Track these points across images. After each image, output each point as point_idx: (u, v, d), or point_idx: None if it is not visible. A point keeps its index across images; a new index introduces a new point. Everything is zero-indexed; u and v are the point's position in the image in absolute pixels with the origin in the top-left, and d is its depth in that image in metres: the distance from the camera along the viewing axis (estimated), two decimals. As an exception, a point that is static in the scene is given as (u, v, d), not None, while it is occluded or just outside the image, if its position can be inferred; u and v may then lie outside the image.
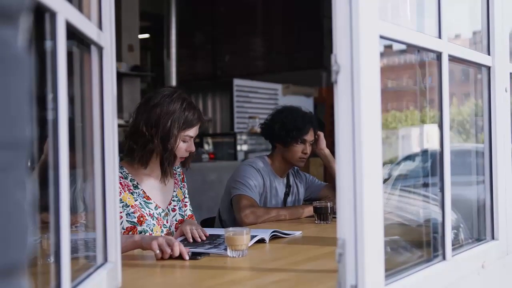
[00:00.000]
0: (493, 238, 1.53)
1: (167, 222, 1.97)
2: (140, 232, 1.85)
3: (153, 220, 1.91)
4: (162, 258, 1.54)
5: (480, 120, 1.60)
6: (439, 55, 1.27)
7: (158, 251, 1.54)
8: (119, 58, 6.19)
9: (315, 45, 7.75)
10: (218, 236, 1.81)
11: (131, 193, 1.89)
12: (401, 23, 1.35)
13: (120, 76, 6.14)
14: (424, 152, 1.67)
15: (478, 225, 1.58)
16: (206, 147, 6.33)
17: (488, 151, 1.54)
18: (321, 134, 2.62)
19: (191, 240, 1.74)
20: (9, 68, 0.46)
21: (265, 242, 1.78)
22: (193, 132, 1.93)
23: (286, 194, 2.61)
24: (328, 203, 2.25)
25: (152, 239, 1.59)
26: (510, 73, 1.61)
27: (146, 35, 8.98)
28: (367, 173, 0.95)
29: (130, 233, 1.84)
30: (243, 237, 1.56)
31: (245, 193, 2.37)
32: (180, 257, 1.57)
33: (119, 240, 1.16)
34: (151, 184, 1.97)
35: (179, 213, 2.03)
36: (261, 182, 2.48)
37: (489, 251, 1.48)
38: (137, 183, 1.93)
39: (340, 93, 0.96)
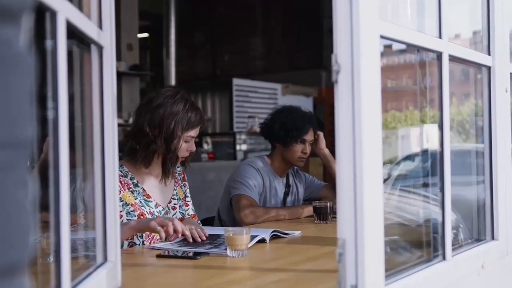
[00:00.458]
0: (493, 238, 1.53)
1: None
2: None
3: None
4: (167, 239, 1.61)
5: (480, 120, 1.60)
6: (439, 55, 1.27)
7: (158, 228, 1.62)
8: (118, 57, 6.19)
9: (314, 45, 7.76)
10: (218, 236, 1.81)
11: (131, 192, 1.90)
12: (401, 23, 1.35)
13: (119, 75, 6.14)
14: (424, 152, 1.67)
15: (478, 225, 1.58)
16: (205, 146, 6.34)
17: (488, 151, 1.54)
18: (321, 134, 2.62)
19: (190, 240, 1.74)
20: (10, 67, 0.46)
21: (266, 242, 1.78)
22: (195, 132, 1.95)
23: (286, 194, 2.61)
24: (328, 203, 2.25)
25: (148, 221, 1.66)
26: (510, 73, 1.61)
27: (146, 35, 8.98)
28: (367, 173, 0.95)
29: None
30: (243, 237, 1.56)
31: (244, 193, 2.37)
32: (181, 256, 1.57)
33: (119, 239, 1.16)
34: (151, 183, 1.97)
35: (180, 212, 2.04)
36: (261, 182, 2.48)
37: (489, 251, 1.48)
38: (137, 181, 1.93)
39: (340, 92, 0.96)
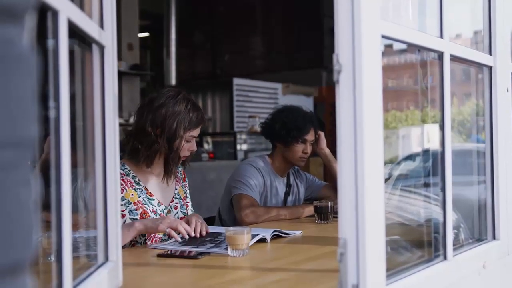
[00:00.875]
0: (494, 238, 1.53)
1: None
2: None
3: (155, 216, 1.92)
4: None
5: (481, 120, 1.60)
6: (440, 55, 1.27)
7: (168, 230, 1.71)
8: (118, 57, 6.17)
9: (315, 44, 7.76)
10: (219, 234, 1.81)
11: (134, 189, 1.91)
12: (403, 22, 1.35)
13: (119, 75, 6.11)
14: (425, 152, 1.67)
15: (479, 225, 1.58)
16: (206, 146, 6.33)
17: (489, 151, 1.54)
18: (322, 134, 2.62)
19: (192, 234, 1.76)
20: (13, 67, 0.46)
21: (267, 242, 1.78)
22: (196, 132, 1.96)
23: (287, 194, 2.61)
24: (329, 203, 2.25)
25: (155, 224, 1.72)
26: None
27: (146, 34, 8.98)
28: (369, 172, 0.95)
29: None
30: (243, 236, 1.56)
31: (245, 193, 2.37)
32: (182, 256, 1.57)
33: (120, 239, 1.16)
34: (153, 182, 1.98)
35: (181, 211, 2.05)
36: (261, 182, 2.48)
37: (490, 251, 1.48)
38: (139, 180, 1.94)
39: (341, 92, 0.96)
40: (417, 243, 1.44)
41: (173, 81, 7.23)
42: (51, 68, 0.80)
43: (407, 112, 1.98)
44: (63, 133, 0.80)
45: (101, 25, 1.10)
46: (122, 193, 1.86)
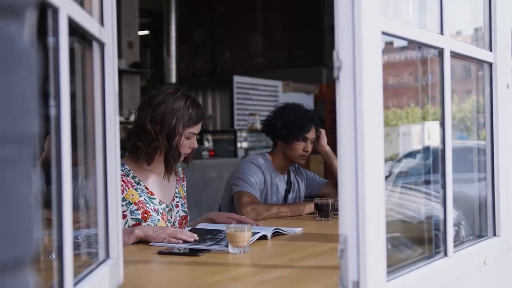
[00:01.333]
0: (494, 234, 1.53)
1: (171, 218, 1.98)
2: None
3: (157, 215, 1.92)
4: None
5: (481, 117, 1.60)
6: (441, 51, 1.27)
7: (168, 239, 1.70)
8: (118, 55, 6.17)
9: (315, 42, 7.75)
10: (220, 231, 1.82)
11: (135, 189, 1.91)
12: (403, 19, 1.34)
13: (119, 73, 6.12)
14: (425, 149, 1.67)
15: (480, 222, 1.58)
16: (206, 144, 6.33)
17: (490, 148, 1.54)
18: (323, 131, 2.62)
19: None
20: (15, 62, 0.46)
21: (267, 239, 1.79)
22: (196, 129, 1.95)
23: (287, 191, 2.61)
24: (329, 200, 2.25)
25: (154, 232, 1.71)
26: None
27: (146, 32, 8.98)
28: (369, 169, 0.95)
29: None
30: (244, 233, 1.56)
31: (246, 190, 2.37)
32: (182, 253, 1.57)
33: (121, 236, 1.16)
34: (153, 181, 1.98)
35: (182, 210, 2.05)
36: (262, 179, 2.48)
37: (490, 248, 1.48)
38: (139, 179, 1.94)
39: (342, 89, 0.96)
40: (417, 240, 1.44)
41: (173, 79, 7.23)
42: (52, 66, 0.80)
43: (408, 109, 1.98)
44: (64, 131, 0.81)
45: (101, 23, 1.10)
46: (122, 194, 1.86)
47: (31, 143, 0.49)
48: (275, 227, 1.87)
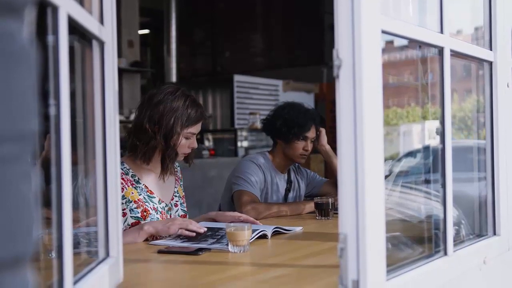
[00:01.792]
0: (494, 233, 1.53)
1: (170, 217, 1.98)
2: None
3: (157, 214, 1.92)
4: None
5: (481, 116, 1.60)
6: (440, 50, 1.27)
7: (180, 231, 1.72)
8: (119, 54, 6.18)
9: (315, 41, 7.75)
10: (219, 228, 1.82)
11: (135, 188, 1.91)
12: (403, 18, 1.34)
13: (120, 72, 6.14)
14: (426, 149, 1.67)
15: (480, 221, 1.58)
16: (206, 143, 6.34)
17: (490, 147, 1.54)
18: (323, 130, 2.62)
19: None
20: (14, 61, 0.46)
21: (267, 238, 1.79)
22: (195, 129, 1.94)
23: (288, 190, 2.61)
24: (329, 199, 2.25)
25: (164, 225, 1.74)
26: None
27: (146, 31, 8.97)
28: (369, 168, 0.95)
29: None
30: (244, 232, 1.56)
31: (246, 189, 2.38)
32: (182, 252, 1.57)
33: (120, 235, 1.16)
34: (152, 180, 1.98)
35: (181, 209, 2.05)
36: (262, 178, 2.48)
37: (490, 247, 1.48)
38: (138, 178, 1.94)
39: (341, 87, 0.96)
40: (417, 239, 1.44)
41: (174, 78, 7.23)
42: (51, 65, 0.80)
43: (408, 108, 1.98)
44: (64, 130, 0.81)
45: (101, 21, 1.10)
46: (122, 192, 1.86)
47: (30, 142, 0.49)
48: (275, 226, 1.87)
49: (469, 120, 1.78)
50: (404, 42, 1.32)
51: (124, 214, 1.85)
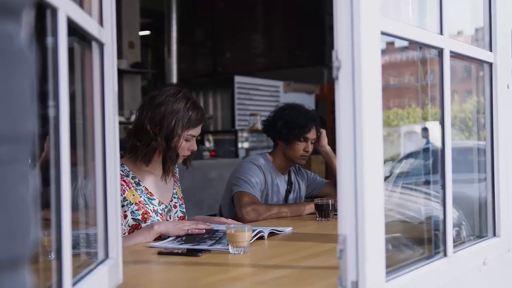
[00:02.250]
0: (494, 235, 1.52)
1: (169, 218, 1.99)
2: None
3: (157, 216, 1.92)
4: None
5: (482, 117, 1.60)
6: (440, 51, 1.27)
7: (190, 231, 1.78)
8: (119, 55, 6.19)
9: (316, 42, 7.75)
10: (216, 230, 1.82)
11: (135, 190, 1.91)
12: (403, 19, 1.34)
13: (120, 73, 6.15)
14: (426, 150, 1.67)
15: (480, 222, 1.58)
16: (207, 144, 6.33)
17: (490, 148, 1.53)
18: (323, 132, 2.61)
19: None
20: (12, 62, 0.46)
21: (264, 239, 1.79)
22: (196, 131, 1.95)
23: (288, 191, 2.61)
24: (329, 200, 2.25)
25: (175, 226, 1.78)
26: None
27: (147, 32, 8.98)
28: (368, 169, 0.95)
29: (135, 230, 1.85)
30: (244, 234, 1.56)
31: (246, 190, 2.37)
32: (182, 253, 1.57)
33: (120, 236, 1.16)
34: (152, 182, 1.98)
35: (180, 210, 2.05)
36: (263, 179, 2.48)
37: (490, 248, 1.48)
38: (138, 180, 1.94)
39: (341, 89, 0.96)
40: (417, 240, 1.44)
41: (174, 79, 7.24)
42: (51, 66, 0.80)
43: (409, 109, 1.98)
44: (63, 132, 0.81)
45: (101, 23, 1.10)
46: (123, 194, 1.87)
47: (29, 143, 0.49)
48: (271, 228, 1.88)
49: (470, 121, 1.78)
50: (405, 43, 1.32)
51: (125, 216, 1.86)
